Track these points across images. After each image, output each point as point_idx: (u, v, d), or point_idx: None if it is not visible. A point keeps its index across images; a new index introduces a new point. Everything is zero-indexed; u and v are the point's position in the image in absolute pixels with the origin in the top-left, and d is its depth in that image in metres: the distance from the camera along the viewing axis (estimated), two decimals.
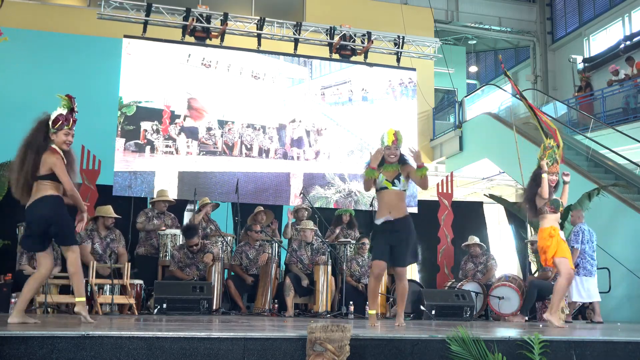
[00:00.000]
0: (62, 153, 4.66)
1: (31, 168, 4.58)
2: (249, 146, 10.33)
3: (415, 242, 5.54)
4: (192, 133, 10.06)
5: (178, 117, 10.04)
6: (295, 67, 10.87)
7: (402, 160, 5.55)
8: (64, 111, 4.72)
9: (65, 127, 4.68)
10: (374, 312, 5.56)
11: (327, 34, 11.08)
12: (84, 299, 4.72)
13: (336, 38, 11.00)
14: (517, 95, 7.34)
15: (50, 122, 4.69)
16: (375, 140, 10.87)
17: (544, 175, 6.16)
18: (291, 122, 10.58)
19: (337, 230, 9.00)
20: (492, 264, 8.81)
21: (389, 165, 5.50)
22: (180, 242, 8.10)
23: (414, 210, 10.82)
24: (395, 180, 5.45)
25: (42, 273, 4.64)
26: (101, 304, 6.64)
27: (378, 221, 5.46)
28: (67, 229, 4.65)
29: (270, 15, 11.22)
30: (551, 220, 6.19)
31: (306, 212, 9.00)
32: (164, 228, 8.32)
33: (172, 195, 9.63)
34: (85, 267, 7.14)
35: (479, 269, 8.81)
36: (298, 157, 10.54)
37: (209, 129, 10.17)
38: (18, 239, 7.72)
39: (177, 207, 9.59)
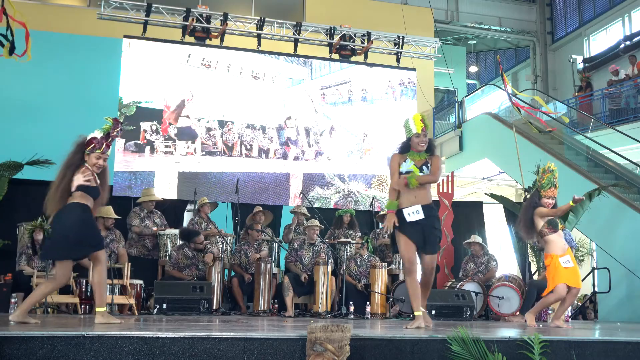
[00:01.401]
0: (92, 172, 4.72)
1: (67, 187, 4.64)
2: (248, 146, 10.33)
3: (440, 232, 5.32)
4: (190, 135, 10.06)
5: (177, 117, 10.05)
6: (295, 67, 10.87)
7: (429, 149, 5.24)
8: (99, 134, 4.78)
9: (97, 151, 4.73)
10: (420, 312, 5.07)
11: (327, 34, 11.08)
12: (104, 309, 4.70)
13: (336, 38, 11.00)
14: (515, 96, 7.29)
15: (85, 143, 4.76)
16: (376, 141, 10.91)
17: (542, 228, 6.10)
18: (287, 120, 10.57)
19: (342, 237, 8.95)
20: (493, 265, 8.80)
21: (418, 154, 5.20)
22: (180, 243, 8.11)
23: None
24: (424, 167, 5.17)
25: (58, 283, 4.68)
26: None
27: (409, 214, 5.10)
28: (87, 237, 4.64)
29: (270, 16, 11.22)
30: (551, 245, 6.05)
31: (304, 217, 8.99)
32: (156, 229, 8.32)
33: (172, 195, 9.64)
34: (84, 268, 7.19)
35: (480, 269, 8.81)
36: (294, 157, 10.52)
37: (208, 129, 10.17)
38: (18, 239, 7.73)
39: (177, 207, 9.61)
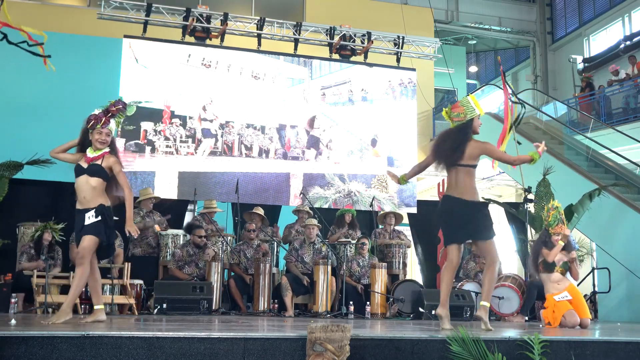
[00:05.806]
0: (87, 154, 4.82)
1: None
2: (248, 146, 10.33)
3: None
4: (210, 135, 10.10)
5: (177, 117, 10.06)
6: (295, 67, 10.87)
7: None
8: (97, 111, 4.84)
9: (97, 126, 4.77)
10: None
11: (327, 34, 11.08)
12: (101, 306, 4.93)
13: (336, 38, 11.00)
14: (514, 99, 7.29)
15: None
16: (378, 141, 10.90)
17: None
18: (310, 120, 10.58)
19: (341, 235, 8.95)
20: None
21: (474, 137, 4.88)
22: (182, 242, 8.11)
23: (414, 210, 10.82)
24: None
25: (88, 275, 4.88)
26: None
27: None
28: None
29: (270, 16, 11.21)
30: (546, 285, 6.39)
31: (306, 215, 9.00)
32: (158, 227, 8.30)
33: (173, 195, 9.64)
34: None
35: (482, 268, 8.80)
36: (306, 158, 10.52)
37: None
38: (18, 239, 7.72)
39: (178, 208, 9.60)
